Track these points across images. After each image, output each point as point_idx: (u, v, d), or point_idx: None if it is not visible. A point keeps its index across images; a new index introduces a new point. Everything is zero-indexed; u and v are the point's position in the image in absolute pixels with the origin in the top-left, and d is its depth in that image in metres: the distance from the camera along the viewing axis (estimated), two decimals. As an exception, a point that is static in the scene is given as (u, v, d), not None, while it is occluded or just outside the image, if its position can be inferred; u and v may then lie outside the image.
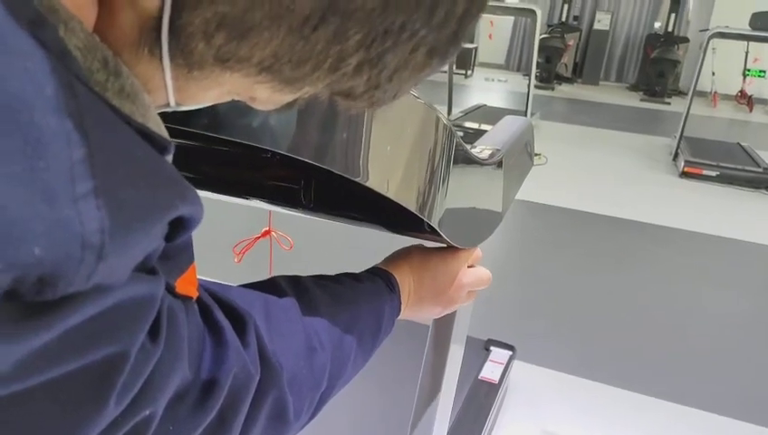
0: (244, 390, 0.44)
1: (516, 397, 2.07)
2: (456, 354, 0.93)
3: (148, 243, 0.29)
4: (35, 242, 0.23)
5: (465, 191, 0.73)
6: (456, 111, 6.04)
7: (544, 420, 1.98)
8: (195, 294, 0.40)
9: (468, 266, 0.77)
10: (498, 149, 0.88)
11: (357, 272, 0.67)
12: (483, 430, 1.74)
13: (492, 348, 2.12)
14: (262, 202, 0.78)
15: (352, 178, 0.55)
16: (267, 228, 1.05)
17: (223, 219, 3.06)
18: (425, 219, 0.61)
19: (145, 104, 0.31)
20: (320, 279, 0.61)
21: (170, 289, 0.36)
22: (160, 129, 0.32)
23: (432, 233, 0.68)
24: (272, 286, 0.56)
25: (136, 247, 0.28)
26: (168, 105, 0.35)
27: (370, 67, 0.34)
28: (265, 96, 0.37)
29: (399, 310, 0.67)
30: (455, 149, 0.65)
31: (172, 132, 0.58)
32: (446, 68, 6.26)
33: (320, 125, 0.52)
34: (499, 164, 0.85)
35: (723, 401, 2.14)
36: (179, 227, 0.31)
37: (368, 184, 0.55)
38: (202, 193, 0.87)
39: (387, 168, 0.57)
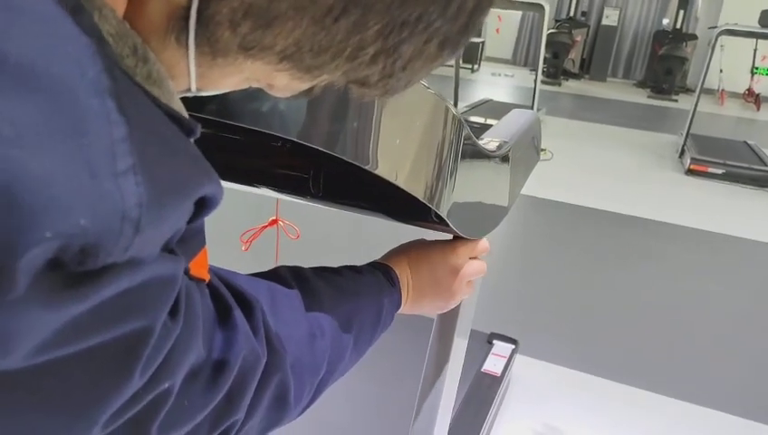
0: (252, 372, 0.46)
1: (518, 391, 2.08)
2: (459, 348, 0.94)
3: (177, 219, 0.30)
4: (81, 213, 0.24)
5: (473, 182, 0.73)
6: (461, 106, 6.03)
7: (546, 414, 1.99)
8: (207, 277, 0.42)
9: (472, 258, 0.77)
10: (506, 142, 0.88)
11: (358, 265, 0.68)
12: (484, 422, 1.75)
13: (495, 341, 2.13)
14: (271, 191, 0.79)
15: (362, 167, 0.55)
16: (274, 217, 1.05)
17: (231, 208, 3.07)
18: (433, 208, 0.62)
19: (170, 90, 0.32)
20: (321, 271, 0.63)
21: (185, 271, 0.37)
22: (184, 112, 0.34)
23: (439, 223, 0.68)
24: (275, 276, 0.58)
25: (167, 223, 0.29)
26: (188, 90, 0.36)
27: (386, 57, 0.35)
28: (284, 83, 0.38)
29: (400, 304, 0.68)
30: (463, 141, 0.65)
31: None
32: (452, 62, 6.25)
33: (331, 113, 0.53)
34: (506, 157, 0.86)
35: (726, 399, 2.15)
36: (202, 206, 0.33)
37: (377, 172, 0.56)
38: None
39: (396, 156, 0.57)
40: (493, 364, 2.00)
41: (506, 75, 9.90)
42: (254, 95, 0.51)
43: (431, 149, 0.61)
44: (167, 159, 0.29)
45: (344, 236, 2.96)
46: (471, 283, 0.78)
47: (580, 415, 2.00)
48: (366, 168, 0.55)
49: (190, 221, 0.33)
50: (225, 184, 0.82)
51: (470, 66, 9.82)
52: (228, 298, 0.45)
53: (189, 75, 0.34)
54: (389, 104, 0.55)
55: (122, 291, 0.28)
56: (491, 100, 6.76)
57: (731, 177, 4.85)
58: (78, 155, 0.24)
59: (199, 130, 0.34)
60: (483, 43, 10.34)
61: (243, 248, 1.05)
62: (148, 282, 0.29)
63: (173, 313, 0.33)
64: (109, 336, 0.28)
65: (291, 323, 0.53)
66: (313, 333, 0.55)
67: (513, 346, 2.11)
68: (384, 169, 0.56)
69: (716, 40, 5.14)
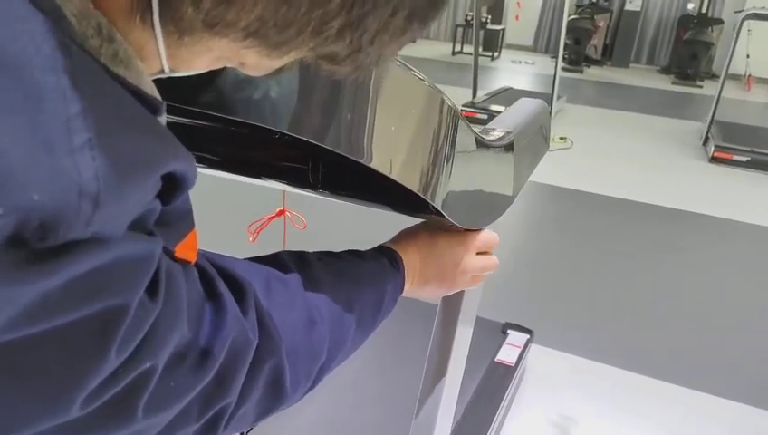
0: (242, 355, 0.45)
1: (533, 380, 2.08)
2: (463, 335, 0.93)
3: (142, 195, 0.31)
4: (34, 188, 0.25)
5: (472, 173, 0.73)
6: (481, 94, 5.99)
7: (560, 403, 1.98)
8: (193, 259, 0.42)
9: (480, 253, 0.77)
10: (509, 132, 0.88)
11: (364, 250, 0.68)
12: (498, 411, 1.75)
13: (509, 331, 2.12)
14: (274, 182, 0.79)
15: (356, 159, 0.55)
16: (281, 208, 1.06)
17: (238, 199, 3.09)
18: (428, 200, 0.62)
19: (138, 70, 0.33)
20: (325, 255, 0.63)
21: (169, 254, 0.38)
22: (154, 92, 0.34)
23: (438, 214, 0.68)
24: (275, 261, 0.58)
25: (130, 198, 0.29)
26: (162, 71, 0.37)
27: (352, 30, 0.35)
28: (254, 61, 0.38)
29: (402, 288, 0.68)
30: (460, 132, 0.65)
31: (182, 112, 0.60)
32: (471, 50, 6.20)
33: (324, 106, 0.53)
34: (509, 147, 0.85)
35: (741, 389, 2.12)
36: (174, 186, 0.33)
37: (371, 165, 0.56)
38: (218, 173, 0.89)
39: (390, 149, 0.57)
40: (507, 354, 2.00)
41: (527, 63, 9.79)
42: (245, 87, 0.52)
43: (426, 141, 0.61)
44: (127, 134, 0.29)
45: (351, 227, 2.97)
46: (477, 277, 0.78)
47: (594, 405, 2.00)
48: (359, 160, 0.55)
49: (166, 202, 0.33)
50: (231, 176, 0.83)
51: (490, 54, 9.74)
52: (217, 281, 0.45)
53: (160, 55, 0.35)
54: (383, 97, 0.55)
55: (92, 269, 0.28)
56: (511, 88, 6.69)
57: (756, 164, 4.75)
58: (33, 131, 0.25)
59: (164, 107, 0.35)
60: (503, 30, 10.23)
61: (250, 239, 1.06)
62: (119, 260, 0.30)
63: (152, 292, 0.34)
64: (81, 314, 0.29)
65: (287, 307, 0.53)
66: (312, 318, 0.54)
67: (528, 336, 2.11)
68: (377, 162, 0.56)
69: (742, 24, 5.02)
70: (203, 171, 0.86)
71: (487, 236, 0.78)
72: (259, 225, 1.05)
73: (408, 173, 0.59)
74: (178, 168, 0.32)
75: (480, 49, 6.59)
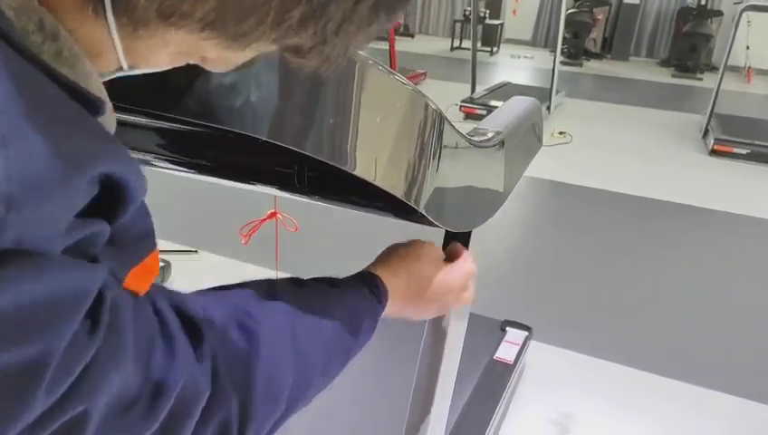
0: (192, 405, 0.42)
1: (532, 378, 2.07)
2: (457, 330, 0.93)
3: (71, 198, 0.28)
4: None
5: (460, 176, 0.73)
6: (480, 89, 5.97)
7: (560, 400, 1.98)
8: (146, 288, 0.39)
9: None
10: (499, 132, 0.87)
11: (345, 278, 0.64)
12: (496, 409, 1.75)
13: (508, 328, 2.12)
14: (263, 187, 0.79)
15: (338, 166, 0.55)
16: (273, 211, 1.06)
17: (231, 202, 3.09)
18: (412, 205, 0.62)
19: (85, 69, 0.31)
20: (298, 288, 0.58)
21: (119, 281, 0.35)
22: (100, 93, 0.33)
23: (426, 218, 0.68)
24: (242, 296, 0.53)
25: (54, 202, 0.27)
26: (120, 68, 0.35)
27: (315, 20, 0.34)
28: (215, 55, 0.37)
29: (378, 318, 0.64)
30: (446, 134, 0.65)
31: (166, 118, 0.59)
32: (469, 45, 6.19)
33: (305, 112, 0.53)
34: (499, 147, 0.85)
35: (741, 384, 2.11)
36: (118, 197, 0.31)
37: (354, 172, 0.56)
38: (210, 179, 0.88)
39: (373, 155, 0.57)
40: (505, 352, 2.00)
41: (526, 57, 9.76)
42: (225, 94, 0.51)
43: (410, 147, 0.60)
44: (52, 132, 0.27)
45: (344, 228, 2.96)
46: (461, 297, 0.75)
47: (593, 401, 1.99)
48: (342, 167, 0.55)
49: (113, 217, 0.31)
50: (221, 181, 0.82)
51: (489, 49, 9.71)
52: (171, 321, 0.41)
53: (116, 50, 0.33)
54: (365, 102, 0.55)
55: (16, 307, 0.26)
56: (509, 83, 6.68)
57: (756, 157, 4.74)
58: None
59: (107, 108, 0.33)
60: (501, 24, 10.20)
61: (243, 242, 1.06)
62: (47, 295, 0.27)
63: (91, 326, 0.30)
64: (4, 358, 0.26)
65: (247, 357, 0.47)
66: (273, 370, 0.49)
67: (527, 333, 2.10)
68: (360, 169, 0.55)
69: (740, 16, 5.00)
70: (194, 176, 0.86)
71: (470, 266, 0.75)
72: (251, 227, 1.05)
73: (392, 180, 0.59)
74: (117, 171, 0.30)
75: (478, 44, 6.58)
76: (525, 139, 1.01)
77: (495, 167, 0.85)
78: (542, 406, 1.95)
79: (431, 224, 0.71)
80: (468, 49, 6.36)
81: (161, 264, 2.47)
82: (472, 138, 0.77)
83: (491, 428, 1.70)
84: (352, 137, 0.54)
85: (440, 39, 10.97)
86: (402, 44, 9.12)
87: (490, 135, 0.85)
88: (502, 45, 10.29)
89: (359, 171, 0.55)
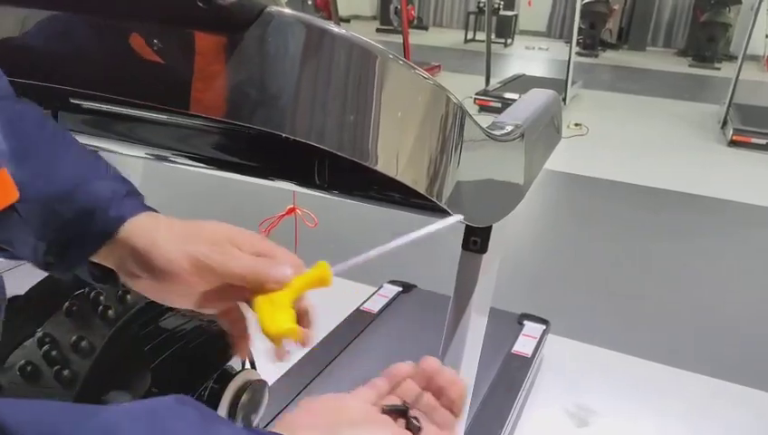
0: None
1: (550, 371, 2.06)
2: (477, 326, 0.93)
3: None
4: None
5: (481, 170, 0.72)
6: (494, 82, 5.93)
7: (577, 393, 1.97)
8: None
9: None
10: (519, 125, 0.86)
11: None
12: (514, 403, 1.75)
13: (525, 322, 2.11)
14: (282, 182, 0.79)
15: (360, 162, 0.55)
16: (291, 206, 1.06)
17: (250, 197, 3.10)
18: (434, 200, 0.61)
19: None
20: None
21: None
22: None
23: (446, 212, 0.68)
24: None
25: None
26: None
27: None
28: None
29: None
30: (467, 128, 0.64)
31: (188, 115, 0.59)
32: (484, 37, 6.15)
33: (327, 108, 0.52)
34: (520, 140, 0.84)
35: (765, 377, 2.09)
36: None
37: (376, 167, 0.55)
38: (229, 175, 0.88)
39: (395, 150, 0.57)
40: (523, 345, 1.99)
41: (541, 48, 9.68)
42: (247, 91, 0.52)
43: (432, 141, 0.60)
44: None
45: (362, 224, 2.96)
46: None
47: (612, 394, 1.98)
48: (364, 163, 0.55)
49: None
50: (241, 177, 0.83)
51: (503, 41, 9.64)
52: None
53: None
54: (387, 97, 0.54)
55: None
56: (524, 74, 6.63)
57: (776, 147, 4.67)
58: None
59: None
60: (516, 16, 10.12)
61: (262, 237, 1.06)
62: None
63: None
64: None
65: None
66: None
67: (545, 326, 2.09)
68: (382, 164, 0.55)
69: (760, 4, 4.92)
70: (214, 172, 0.86)
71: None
72: (270, 223, 1.05)
73: (414, 175, 0.59)
74: None
75: (493, 36, 6.53)
76: (545, 131, 1.01)
77: (516, 160, 0.84)
78: (561, 399, 1.94)
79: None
80: (482, 41, 6.33)
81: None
82: (492, 131, 0.76)
83: (509, 420, 1.70)
84: (374, 132, 0.54)
85: (454, 31, 10.91)
86: (416, 37, 9.09)
87: (510, 128, 0.84)
88: (516, 37, 10.21)
89: (380, 167, 0.55)
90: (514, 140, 0.83)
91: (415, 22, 10.55)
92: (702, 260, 2.94)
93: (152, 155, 0.82)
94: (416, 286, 2.29)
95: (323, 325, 1.97)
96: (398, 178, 0.57)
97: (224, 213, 3.13)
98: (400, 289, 2.26)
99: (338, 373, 1.76)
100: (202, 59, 0.52)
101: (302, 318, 0.50)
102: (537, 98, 1.06)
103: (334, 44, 0.51)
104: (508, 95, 5.36)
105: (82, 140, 0.82)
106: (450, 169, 0.63)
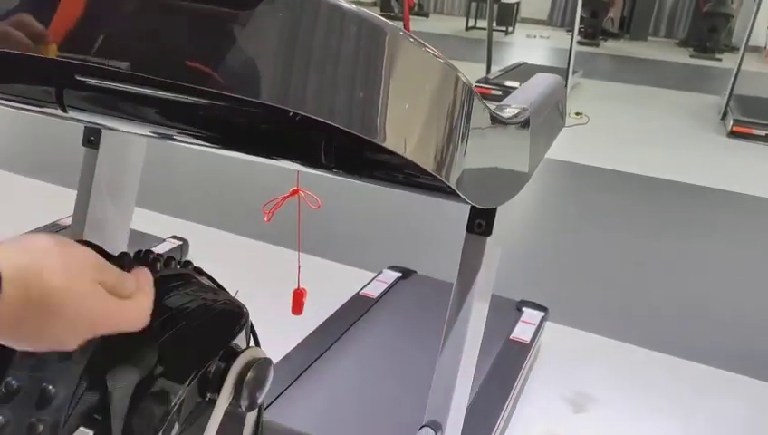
0: None
1: (548, 358, 2.07)
2: (479, 312, 0.93)
3: None
4: None
5: (487, 151, 0.72)
6: (495, 70, 5.91)
7: (576, 381, 1.98)
8: None
9: None
10: (525, 108, 0.86)
11: None
12: (512, 389, 1.75)
13: (524, 309, 2.12)
14: (286, 162, 0.79)
15: (369, 138, 0.55)
16: (295, 188, 1.06)
17: (253, 178, 3.10)
18: (442, 180, 0.61)
19: None
20: None
21: None
22: None
23: (453, 193, 0.68)
24: None
25: None
26: None
27: None
28: None
29: None
30: (475, 109, 0.64)
31: (191, 91, 0.59)
32: (485, 24, 6.12)
33: (335, 84, 0.52)
34: (525, 123, 0.84)
35: (761, 366, 2.10)
36: None
37: (384, 144, 0.55)
38: (230, 153, 0.88)
39: (404, 127, 0.57)
40: (522, 332, 2.00)
41: (542, 37, 9.64)
42: (252, 64, 0.51)
43: (440, 119, 0.60)
44: None
45: (366, 206, 2.96)
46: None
47: (610, 382, 1.99)
48: (372, 139, 0.55)
49: None
50: (244, 155, 0.82)
51: (504, 28, 9.60)
52: None
53: None
54: (397, 73, 0.54)
55: None
56: (525, 63, 6.61)
57: (776, 138, 4.67)
58: None
59: None
60: (518, 3, 10.07)
61: (265, 219, 1.06)
62: None
63: None
64: None
65: None
66: None
67: (543, 313, 2.10)
68: (391, 141, 0.55)
69: (763, -6, 4.90)
70: (216, 151, 0.86)
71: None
72: (273, 205, 1.05)
73: (422, 152, 0.59)
74: None
75: (494, 23, 6.49)
76: (550, 116, 1.00)
77: (522, 143, 0.84)
78: (558, 385, 1.95)
79: (458, 199, 0.71)
80: (484, 29, 6.29)
81: (179, 242, 2.49)
82: (499, 113, 0.76)
83: (507, 406, 1.71)
84: (383, 109, 0.54)
85: (455, 18, 10.85)
86: (417, 24, 9.04)
87: (516, 111, 0.84)
88: (518, 25, 10.17)
89: (389, 144, 0.55)
90: (521, 122, 0.83)
91: (415, 8, 10.49)
92: (700, 249, 2.95)
93: (156, 133, 0.82)
94: (415, 272, 2.30)
95: (324, 309, 1.99)
96: (407, 156, 0.57)
97: (226, 195, 3.13)
98: (400, 275, 2.26)
99: (338, 354, 1.78)
100: (212, 33, 0.51)
101: None
102: (542, 82, 1.06)
103: (345, 20, 0.51)
104: (509, 83, 5.35)
105: (88, 118, 0.82)
106: (458, 149, 0.63)
